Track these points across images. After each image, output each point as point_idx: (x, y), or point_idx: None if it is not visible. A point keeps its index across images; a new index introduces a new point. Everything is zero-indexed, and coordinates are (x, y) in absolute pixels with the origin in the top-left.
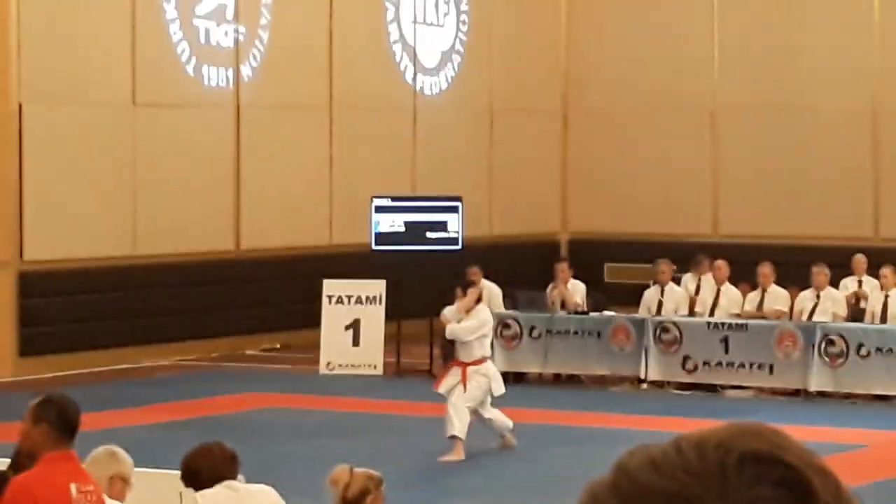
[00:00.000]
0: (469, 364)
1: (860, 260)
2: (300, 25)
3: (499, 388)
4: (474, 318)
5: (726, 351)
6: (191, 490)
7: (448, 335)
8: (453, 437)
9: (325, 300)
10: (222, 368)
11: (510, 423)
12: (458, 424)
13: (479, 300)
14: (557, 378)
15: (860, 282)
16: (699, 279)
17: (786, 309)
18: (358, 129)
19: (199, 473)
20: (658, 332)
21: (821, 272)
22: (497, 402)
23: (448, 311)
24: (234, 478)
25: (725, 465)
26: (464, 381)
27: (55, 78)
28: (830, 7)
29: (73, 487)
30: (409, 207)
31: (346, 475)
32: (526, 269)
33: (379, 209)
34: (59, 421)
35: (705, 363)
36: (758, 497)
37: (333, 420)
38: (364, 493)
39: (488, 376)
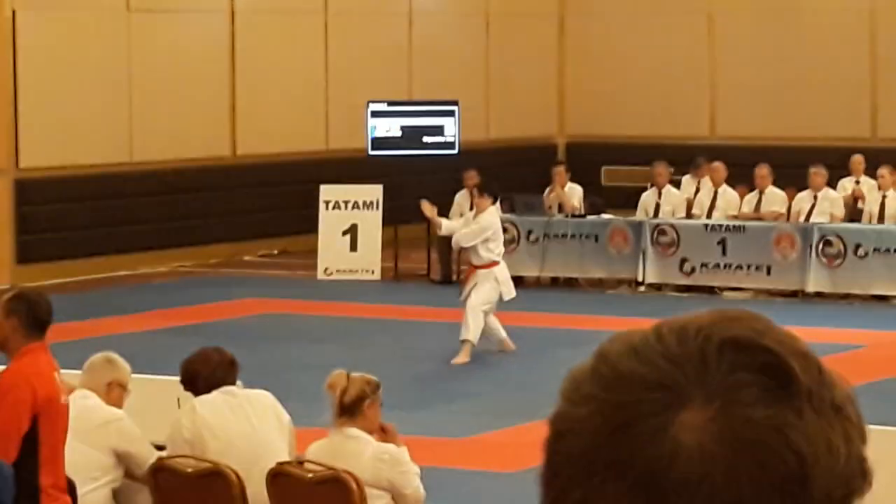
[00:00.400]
0: (478, 267)
1: (858, 160)
2: None
3: (508, 292)
4: (475, 223)
5: (724, 253)
6: (189, 395)
7: (453, 244)
8: (464, 341)
9: (322, 206)
10: (220, 274)
11: (503, 333)
12: (472, 329)
13: (493, 203)
14: (555, 281)
15: (857, 182)
16: (698, 182)
17: (783, 210)
18: (353, 34)
19: (198, 378)
20: (655, 234)
21: (818, 173)
22: (497, 304)
23: (446, 223)
24: (233, 383)
25: (705, 351)
26: (466, 283)
27: None
28: None
29: (55, 376)
30: (405, 112)
31: (342, 380)
32: (523, 172)
33: (375, 114)
34: (29, 315)
35: (703, 265)
36: (738, 383)
37: (332, 325)
38: (361, 397)
39: (498, 280)
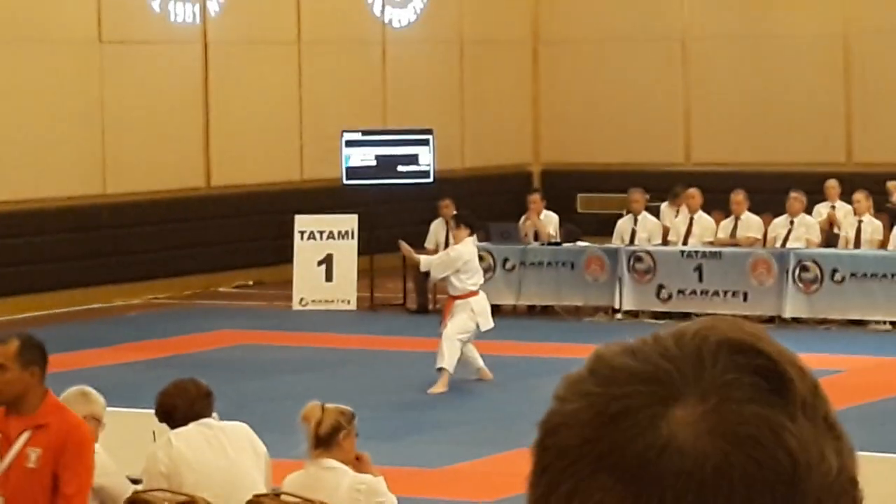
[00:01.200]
0: (455, 298)
1: (833, 185)
2: None
3: (485, 323)
4: (446, 253)
5: (700, 279)
6: (164, 428)
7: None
8: (441, 370)
9: (297, 236)
10: (195, 306)
11: (480, 362)
12: (447, 357)
13: (470, 234)
14: (532, 310)
15: (833, 207)
16: (677, 210)
17: (759, 236)
18: (327, 64)
19: (176, 411)
20: (632, 261)
21: (797, 199)
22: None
23: (425, 259)
24: (209, 415)
25: (702, 351)
26: (445, 314)
27: (20, 17)
28: None
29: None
30: (379, 141)
31: (317, 412)
32: (498, 201)
33: (349, 143)
34: (44, 362)
35: (680, 292)
36: (734, 382)
37: (308, 356)
38: (336, 429)
39: (475, 310)
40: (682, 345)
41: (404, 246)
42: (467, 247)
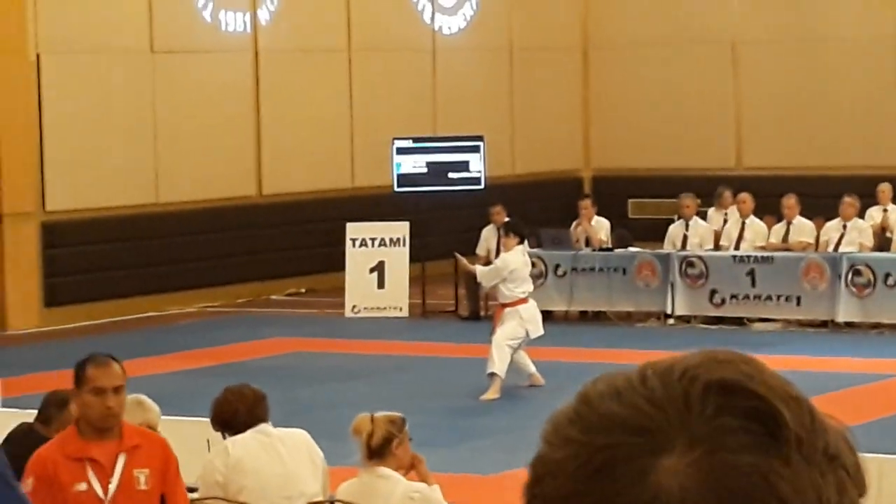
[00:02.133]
0: (504, 305)
1: (885, 189)
2: None
3: (535, 330)
4: (495, 263)
5: (753, 284)
6: (219, 436)
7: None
8: (492, 375)
9: (349, 243)
10: (247, 314)
11: (532, 368)
12: (497, 362)
13: (519, 243)
14: (583, 315)
15: (885, 211)
16: (725, 213)
17: (811, 240)
18: (377, 72)
19: (236, 416)
20: (684, 266)
21: (850, 203)
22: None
23: (480, 269)
24: (267, 419)
25: (689, 394)
26: (495, 322)
27: (72, 27)
28: None
29: None
30: (430, 148)
31: (367, 424)
32: (549, 207)
33: (400, 150)
34: None
35: (732, 296)
36: (723, 428)
37: (360, 363)
38: (388, 438)
39: (524, 317)
40: (669, 387)
41: (460, 259)
42: (515, 255)
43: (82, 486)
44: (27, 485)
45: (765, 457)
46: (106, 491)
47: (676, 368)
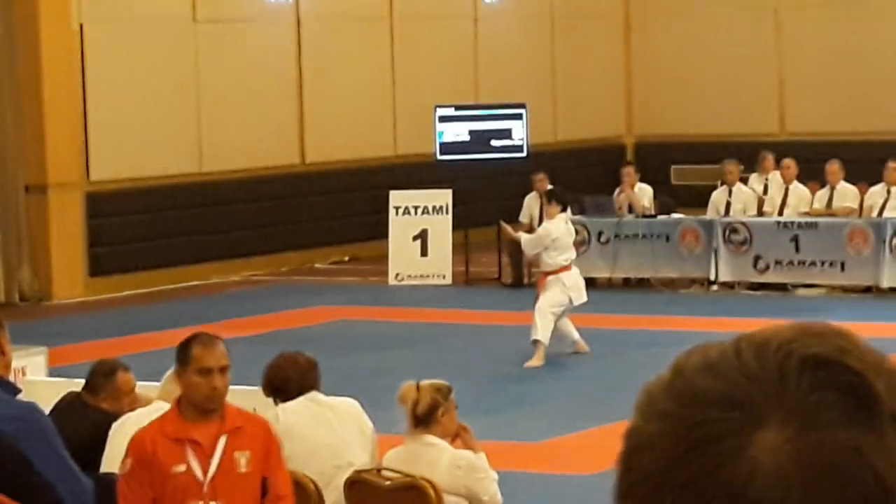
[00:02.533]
0: (547, 273)
1: None
2: None
3: (578, 297)
4: (537, 231)
5: (797, 250)
6: (268, 404)
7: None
8: (536, 342)
9: (391, 211)
10: (292, 282)
11: (576, 335)
12: (540, 329)
13: (562, 211)
14: (627, 282)
15: None
16: (766, 178)
17: (855, 206)
18: (419, 39)
19: (289, 382)
20: (727, 233)
21: (895, 168)
22: (568, 308)
23: (525, 237)
24: (319, 386)
25: (785, 368)
26: (539, 290)
27: None
28: None
29: None
30: (472, 116)
31: (413, 392)
32: (592, 174)
33: (443, 119)
34: None
35: (776, 262)
36: (817, 403)
37: (405, 331)
38: (434, 406)
39: (566, 284)
40: (763, 361)
41: (505, 227)
42: (557, 224)
43: (181, 468)
44: (126, 465)
45: (860, 432)
46: (206, 473)
47: (772, 342)
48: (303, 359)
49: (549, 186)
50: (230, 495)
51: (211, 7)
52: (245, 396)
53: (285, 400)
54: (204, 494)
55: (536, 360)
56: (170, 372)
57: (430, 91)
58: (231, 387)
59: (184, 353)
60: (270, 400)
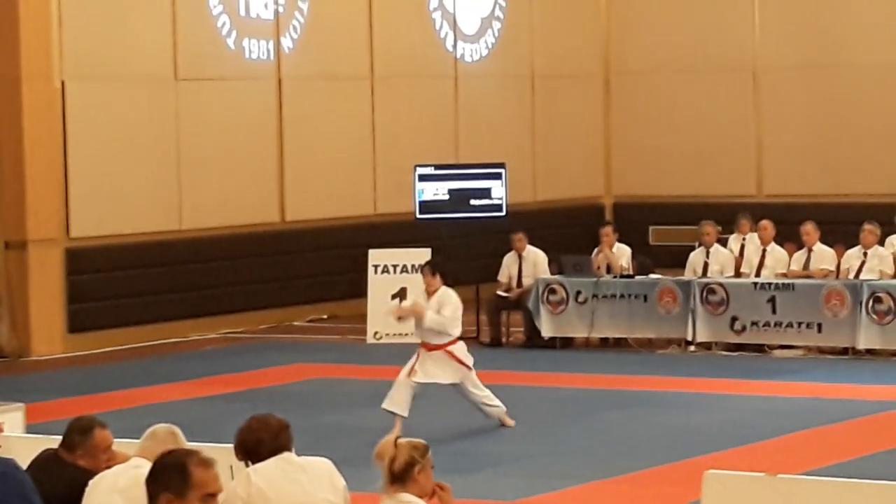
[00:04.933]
0: (447, 344)
1: None
2: None
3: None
4: (451, 308)
5: (774, 311)
6: (242, 464)
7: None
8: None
9: (370, 270)
10: (270, 340)
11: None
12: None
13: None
14: (604, 342)
15: None
16: (743, 239)
17: (832, 268)
18: (399, 98)
19: (261, 445)
20: (705, 293)
21: (872, 231)
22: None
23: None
24: (291, 448)
25: None
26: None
27: (97, 55)
28: None
29: None
30: (452, 175)
31: (390, 448)
32: (570, 233)
33: (422, 177)
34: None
35: (753, 324)
36: None
37: (382, 389)
38: (411, 464)
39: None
40: None
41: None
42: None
43: None
44: None
45: None
46: None
47: None
48: (274, 420)
49: (527, 246)
50: None
51: (192, 65)
52: (222, 454)
53: (257, 461)
54: None
55: (509, 420)
56: (155, 428)
57: (410, 150)
58: (209, 444)
59: (181, 475)
60: (242, 463)
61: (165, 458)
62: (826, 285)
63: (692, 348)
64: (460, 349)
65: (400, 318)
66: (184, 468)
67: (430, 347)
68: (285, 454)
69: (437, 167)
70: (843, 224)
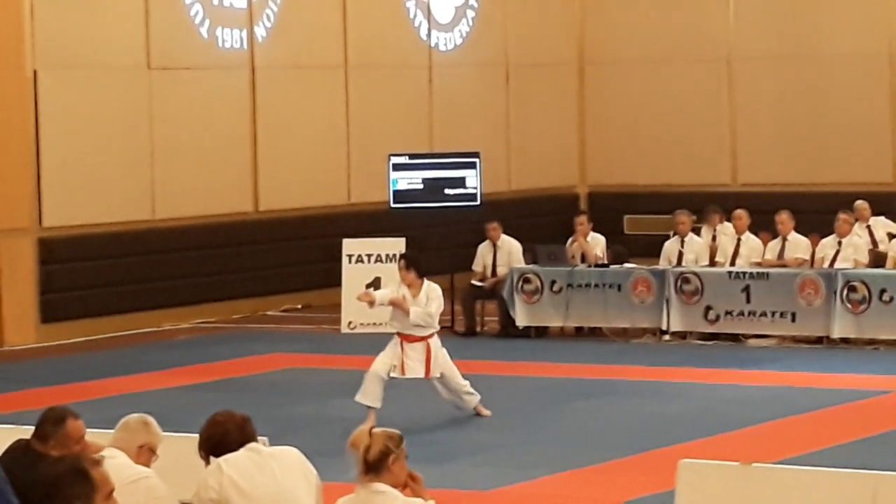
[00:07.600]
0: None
1: (863, 206)
2: None
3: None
4: (433, 304)
5: (748, 300)
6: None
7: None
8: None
9: (345, 259)
10: (244, 330)
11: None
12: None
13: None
14: (579, 331)
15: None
16: (714, 230)
17: (806, 257)
18: (373, 88)
19: (228, 436)
20: (679, 283)
21: (846, 220)
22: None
23: (381, 294)
24: (255, 439)
25: None
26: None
27: (69, 44)
28: None
29: None
30: (426, 164)
31: (365, 438)
32: (545, 223)
33: (396, 167)
34: None
35: (727, 313)
36: None
37: (357, 379)
38: (385, 454)
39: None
40: None
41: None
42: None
43: None
44: None
45: None
46: None
47: None
48: (237, 414)
49: (502, 235)
50: None
51: (165, 54)
52: (192, 445)
53: (224, 453)
54: None
55: (485, 410)
56: (128, 419)
57: (384, 139)
58: (183, 435)
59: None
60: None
61: (59, 466)
62: (800, 274)
63: (667, 337)
64: (436, 343)
65: (371, 305)
66: (85, 474)
67: (411, 339)
68: (253, 444)
69: (412, 156)
70: (817, 213)
